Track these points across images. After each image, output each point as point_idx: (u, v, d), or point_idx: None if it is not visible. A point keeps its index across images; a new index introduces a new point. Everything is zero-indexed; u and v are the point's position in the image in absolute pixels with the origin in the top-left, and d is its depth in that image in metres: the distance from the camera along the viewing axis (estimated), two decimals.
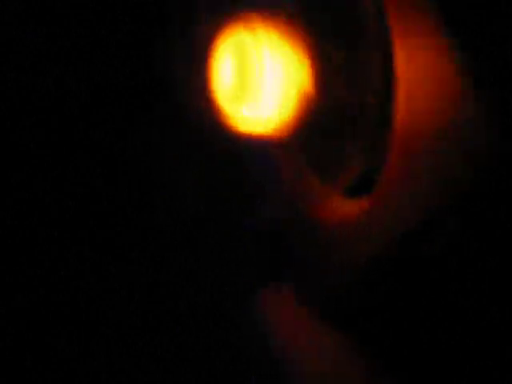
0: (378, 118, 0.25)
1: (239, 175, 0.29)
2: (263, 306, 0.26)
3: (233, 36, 0.28)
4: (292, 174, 0.29)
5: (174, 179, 0.32)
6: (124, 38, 0.32)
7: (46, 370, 0.34)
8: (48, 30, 0.32)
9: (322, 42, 0.27)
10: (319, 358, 0.24)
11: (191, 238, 0.32)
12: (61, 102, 0.33)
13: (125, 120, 0.32)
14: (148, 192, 0.33)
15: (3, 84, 0.33)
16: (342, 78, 0.27)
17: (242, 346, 0.28)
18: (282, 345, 0.25)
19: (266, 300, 0.26)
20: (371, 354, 0.23)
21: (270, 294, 0.26)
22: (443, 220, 0.20)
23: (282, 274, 0.28)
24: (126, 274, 0.34)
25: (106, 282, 0.34)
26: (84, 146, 0.33)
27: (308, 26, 0.27)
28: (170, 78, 0.29)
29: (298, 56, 0.28)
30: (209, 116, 0.27)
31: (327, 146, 0.28)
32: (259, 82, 0.29)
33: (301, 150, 0.28)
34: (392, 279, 0.22)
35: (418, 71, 0.22)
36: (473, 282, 0.21)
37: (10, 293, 0.34)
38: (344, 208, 0.25)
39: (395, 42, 0.23)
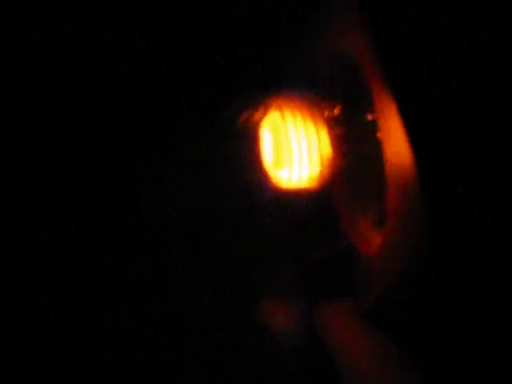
0: None
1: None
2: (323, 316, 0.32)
3: (270, 119, 0.40)
4: (341, 214, 0.40)
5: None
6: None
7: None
8: None
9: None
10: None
11: None
12: None
13: None
14: None
15: None
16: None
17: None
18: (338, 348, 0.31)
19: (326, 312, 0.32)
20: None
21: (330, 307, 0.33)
22: None
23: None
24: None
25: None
26: None
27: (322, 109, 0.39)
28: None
29: (316, 128, 0.40)
30: (259, 176, 0.38)
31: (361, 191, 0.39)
32: (289, 149, 0.40)
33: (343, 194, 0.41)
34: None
35: None
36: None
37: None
38: (375, 239, 0.36)
39: None
